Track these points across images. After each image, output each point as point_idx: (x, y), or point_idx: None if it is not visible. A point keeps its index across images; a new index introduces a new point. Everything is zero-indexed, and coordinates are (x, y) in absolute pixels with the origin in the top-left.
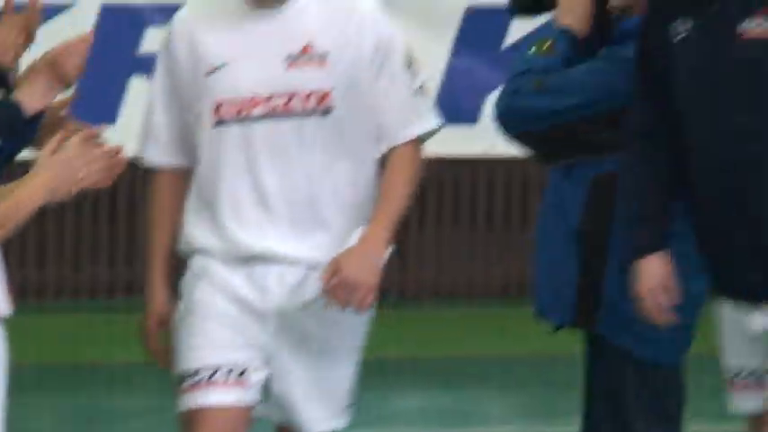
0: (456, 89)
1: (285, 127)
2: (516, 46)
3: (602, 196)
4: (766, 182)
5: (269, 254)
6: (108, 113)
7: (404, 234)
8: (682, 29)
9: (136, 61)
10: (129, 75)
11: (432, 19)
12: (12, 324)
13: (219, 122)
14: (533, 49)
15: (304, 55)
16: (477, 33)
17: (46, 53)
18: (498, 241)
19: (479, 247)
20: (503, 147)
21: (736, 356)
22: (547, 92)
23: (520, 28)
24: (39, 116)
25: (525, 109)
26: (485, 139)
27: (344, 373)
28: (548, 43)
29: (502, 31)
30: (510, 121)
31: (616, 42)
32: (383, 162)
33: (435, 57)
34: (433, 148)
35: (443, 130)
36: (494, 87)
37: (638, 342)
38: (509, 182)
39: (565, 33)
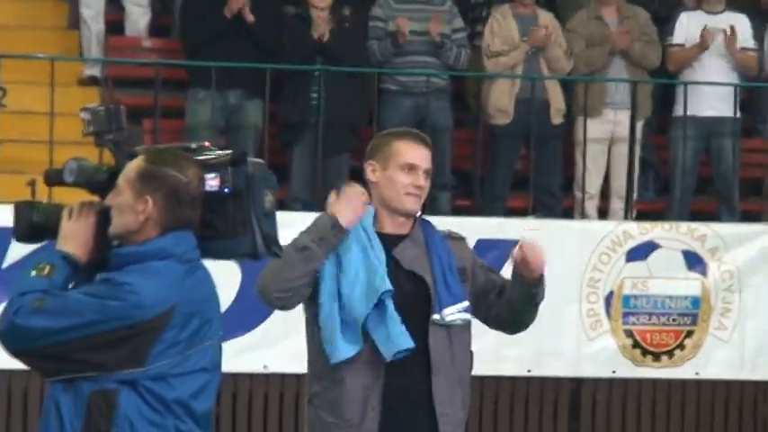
0: None
1: None
2: (16, 265)
3: (99, 412)
4: None
5: None
6: None
7: None
8: None
9: None
10: None
11: None
12: None
13: None
14: (33, 272)
15: None
16: None
17: None
18: None
19: None
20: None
21: None
22: (45, 312)
23: (20, 248)
24: None
25: (24, 328)
26: None
27: None
28: (48, 267)
29: (2, 250)
30: (10, 338)
31: (114, 268)
32: None
33: None
34: None
35: None
36: None
37: None
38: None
39: (65, 259)
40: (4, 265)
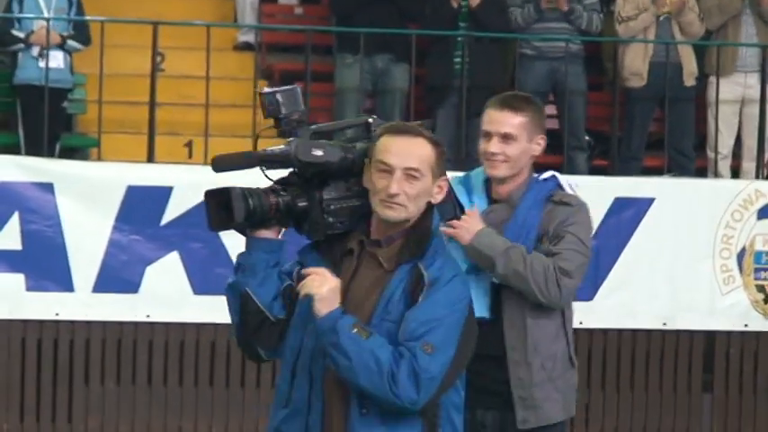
0: (118, 261)
1: None
2: (173, 223)
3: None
4: None
5: None
6: None
7: None
8: None
9: None
10: None
11: (95, 195)
12: None
13: None
14: (363, 335)
15: None
16: (138, 210)
17: None
18: None
19: None
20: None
21: None
22: (439, 348)
23: (179, 206)
24: None
25: (435, 377)
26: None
27: None
28: (360, 329)
29: (161, 208)
30: (426, 396)
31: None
32: None
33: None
34: None
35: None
36: (153, 260)
37: None
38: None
39: (342, 317)
40: (163, 222)
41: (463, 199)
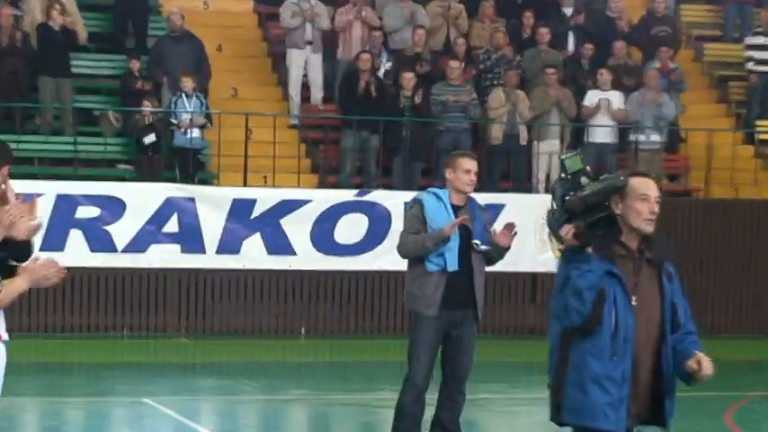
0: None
1: None
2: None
3: None
4: None
5: None
6: None
7: None
8: None
9: None
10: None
11: (217, 204)
12: None
13: None
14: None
15: None
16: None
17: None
18: None
19: None
20: None
21: None
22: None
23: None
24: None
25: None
26: None
27: None
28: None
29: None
30: None
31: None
32: None
33: (218, 223)
34: None
35: None
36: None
37: None
38: None
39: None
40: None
41: (445, 213)
